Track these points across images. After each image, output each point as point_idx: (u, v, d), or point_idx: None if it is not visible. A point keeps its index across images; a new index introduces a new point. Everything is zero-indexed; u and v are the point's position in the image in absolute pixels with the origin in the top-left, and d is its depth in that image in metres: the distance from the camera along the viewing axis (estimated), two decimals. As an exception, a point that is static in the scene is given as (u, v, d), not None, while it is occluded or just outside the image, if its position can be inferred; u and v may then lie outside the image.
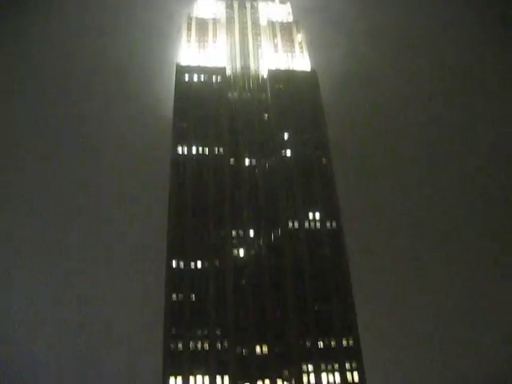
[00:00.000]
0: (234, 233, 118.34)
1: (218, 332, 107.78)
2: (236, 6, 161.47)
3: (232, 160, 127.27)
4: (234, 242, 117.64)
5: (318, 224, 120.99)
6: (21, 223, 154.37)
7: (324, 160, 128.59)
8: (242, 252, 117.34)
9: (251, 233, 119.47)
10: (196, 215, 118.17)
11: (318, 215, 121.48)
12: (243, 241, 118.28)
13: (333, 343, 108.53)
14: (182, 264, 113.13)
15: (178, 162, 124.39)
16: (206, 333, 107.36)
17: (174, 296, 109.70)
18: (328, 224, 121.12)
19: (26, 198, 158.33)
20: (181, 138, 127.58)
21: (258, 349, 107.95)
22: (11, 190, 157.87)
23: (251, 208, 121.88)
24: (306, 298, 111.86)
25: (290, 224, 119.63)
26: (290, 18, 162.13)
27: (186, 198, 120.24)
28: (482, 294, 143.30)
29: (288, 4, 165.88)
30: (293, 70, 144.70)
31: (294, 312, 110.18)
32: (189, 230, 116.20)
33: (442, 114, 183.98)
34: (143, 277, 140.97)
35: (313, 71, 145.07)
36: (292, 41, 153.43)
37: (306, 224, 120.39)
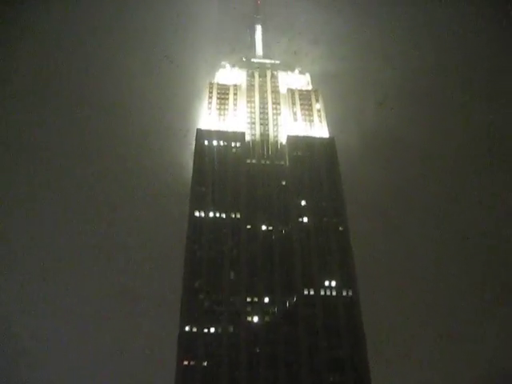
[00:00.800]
0: (248, 299, 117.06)
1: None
2: (256, 74, 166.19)
3: (249, 226, 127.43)
4: (249, 308, 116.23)
5: (334, 292, 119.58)
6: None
7: (341, 228, 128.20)
8: (256, 319, 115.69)
9: (266, 299, 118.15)
10: (211, 280, 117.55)
11: (334, 283, 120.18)
12: (258, 307, 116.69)
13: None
14: (194, 329, 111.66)
15: (195, 226, 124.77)
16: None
17: (185, 361, 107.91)
18: (344, 292, 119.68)
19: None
20: (199, 201, 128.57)
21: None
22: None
23: (267, 274, 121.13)
24: (320, 368, 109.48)
25: (306, 291, 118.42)
26: (309, 87, 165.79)
27: (202, 262, 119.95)
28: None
29: (307, 74, 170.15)
30: (311, 137, 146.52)
31: (308, 382, 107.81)
32: (203, 295, 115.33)
33: (461, 181, 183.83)
34: (155, 340, 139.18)
35: (331, 138, 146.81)
36: (311, 108, 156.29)
37: (322, 291, 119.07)
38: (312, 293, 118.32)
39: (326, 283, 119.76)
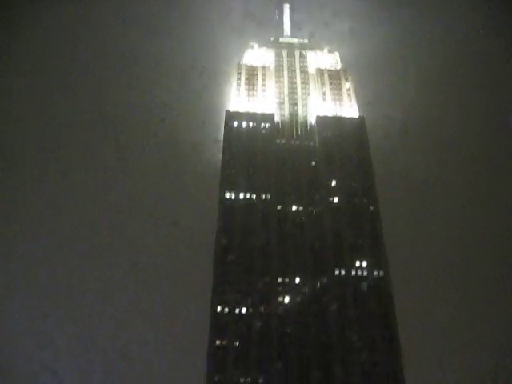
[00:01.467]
0: (279, 280, 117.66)
1: (260, 380, 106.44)
2: (285, 54, 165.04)
3: (279, 207, 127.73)
4: (280, 289, 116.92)
5: (365, 272, 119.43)
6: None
7: (371, 208, 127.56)
8: (287, 299, 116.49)
9: (297, 280, 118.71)
10: (242, 261, 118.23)
11: (364, 263, 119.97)
12: (289, 288, 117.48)
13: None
14: (226, 309, 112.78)
15: (226, 208, 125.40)
16: (249, 380, 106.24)
17: (217, 341, 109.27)
18: (375, 272, 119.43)
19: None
20: (228, 183, 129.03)
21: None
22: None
23: (297, 255, 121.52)
24: (351, 348, 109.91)
25: (337, 272, 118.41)
26: (338, 66, 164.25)
27: (233, 244, 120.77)
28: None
29: (336, 53, 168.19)
30: (341, 117, 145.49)
31: (339, 362, 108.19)
32: (234, 276, 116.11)
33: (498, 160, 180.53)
34: (187, 320, 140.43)
35: (361, 118, 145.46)
36: (340, 88, 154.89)
37: (353, 272, 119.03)
38: (343, 273, 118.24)
39: (357, 263, 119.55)
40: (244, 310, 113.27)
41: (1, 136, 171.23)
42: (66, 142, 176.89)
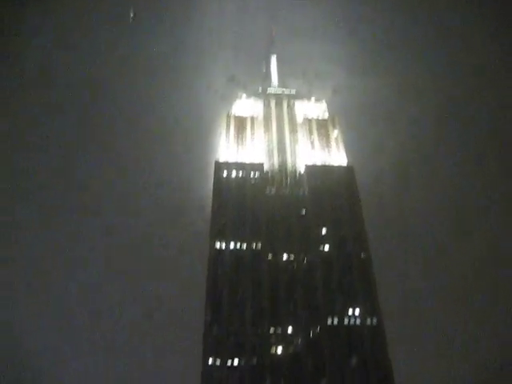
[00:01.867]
0: (272, 329, 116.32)
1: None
2: (273, 104, 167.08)
3: (270, 255, 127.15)
4: (272, 339, 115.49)
5: (358, 320, 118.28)
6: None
7: (363, 255, 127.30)
8: (280, 349, 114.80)
9: (290, 330, 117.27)
10: (233, 311, 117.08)
11: (357, 311, 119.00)
12: (281, 338, 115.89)
13: None
14: (218, 361, 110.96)
15: (216, 257, 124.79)
16: None
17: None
18: (368, 320, 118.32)
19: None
20: (219, 233, 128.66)
21: None
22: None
23: (289, 304, 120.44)
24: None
25: (330, 320, 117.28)
26: (326, 115, 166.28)
27: (224, 294, 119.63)
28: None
29: (323, 102, 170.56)
30: (329, 166, 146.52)
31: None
32: (226, 327, 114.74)
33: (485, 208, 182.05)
34: (178, 372, 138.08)
35: (349, 167, 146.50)
36: (328, 137, 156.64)
37: (346, 320, 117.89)
38: (336, 322, 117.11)
39: (350, 312, 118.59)
40: (236, 362, 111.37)
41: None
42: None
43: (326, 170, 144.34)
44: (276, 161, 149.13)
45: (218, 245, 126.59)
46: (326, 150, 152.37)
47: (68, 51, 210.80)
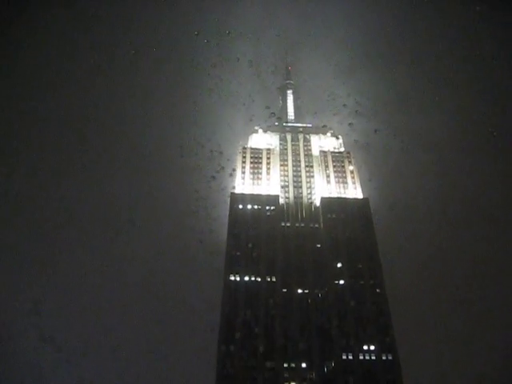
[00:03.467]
0: (285, 365, 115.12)
1: None
2: (289, 137, 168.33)
3: (284, 289, 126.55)
4: (286, 374, 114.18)
5: (374, 356, 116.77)
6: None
7: (378, 290, 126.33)
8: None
9: (304, 365, 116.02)
10: (247, 345, 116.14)
11: (372, 347, 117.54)
12: (295, 373, 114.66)
13: None
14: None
15: (231, 290, 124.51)
16: None
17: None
18: (384, 356, 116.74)
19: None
20: (234, 265, 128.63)
21: None
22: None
23: (304, 339, 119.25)
24: None
25: (344, 356, 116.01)
26: (342, 149, 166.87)
27: (237, 327, 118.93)
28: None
29: (339, 136, 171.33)
30: (345, 198, 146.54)
31: None
32: (239, 361, 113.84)
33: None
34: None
35: (365, 199, 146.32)
36: (344, 170, 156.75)
37: (361, 356, 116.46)
38: (351, 357, 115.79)
39: (365, 347, 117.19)
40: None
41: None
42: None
43: (341, 202, 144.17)
44: (291, 194, 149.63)
45: (232, 277, 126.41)
46: (342, 183, 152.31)
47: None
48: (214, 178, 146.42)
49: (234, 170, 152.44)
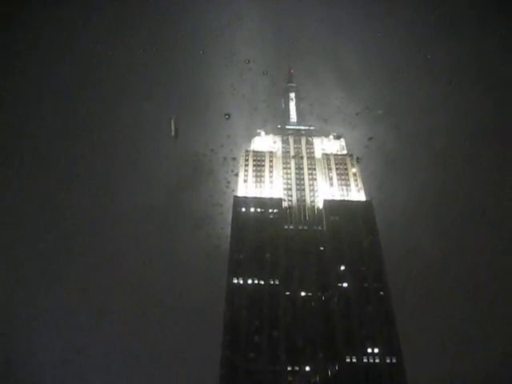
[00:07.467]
0: (289, 368, 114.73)
1: None
2: (291, 140, 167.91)
3: (288, 292, 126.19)
4: (290, 377, 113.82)
5: (378, 359, 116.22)
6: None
7: (382, 292, 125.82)
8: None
9: (307, 368, 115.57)
10: (250, 349, 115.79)
11: (376, 350, 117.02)
12: (299, 377, 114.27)
13: None
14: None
15: (234, 293, 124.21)
16: None
17: None
18: (388, 359, 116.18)
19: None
20: (236, 268, 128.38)
21: None
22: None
23: (307, 342, 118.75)
24: None
25: (348, 359, 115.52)
26: (344, 151, 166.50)
27: (241, 330, 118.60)
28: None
29: (342, 138, 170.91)
30: (348, 201, 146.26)
31: None
32: (243, 365, 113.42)
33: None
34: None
35: (368, 202, 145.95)
36: (346, 173, 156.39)
37: (365, 359, 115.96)
38: (354, 360, 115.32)
39: (369, 350, 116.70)
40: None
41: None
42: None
43: (344, 205, 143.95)
44: (294, 196, 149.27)
45: (235, 280, 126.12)
46: (345, 185, 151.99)
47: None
48: (229, 183, 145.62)
49: (236, 174, 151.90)
